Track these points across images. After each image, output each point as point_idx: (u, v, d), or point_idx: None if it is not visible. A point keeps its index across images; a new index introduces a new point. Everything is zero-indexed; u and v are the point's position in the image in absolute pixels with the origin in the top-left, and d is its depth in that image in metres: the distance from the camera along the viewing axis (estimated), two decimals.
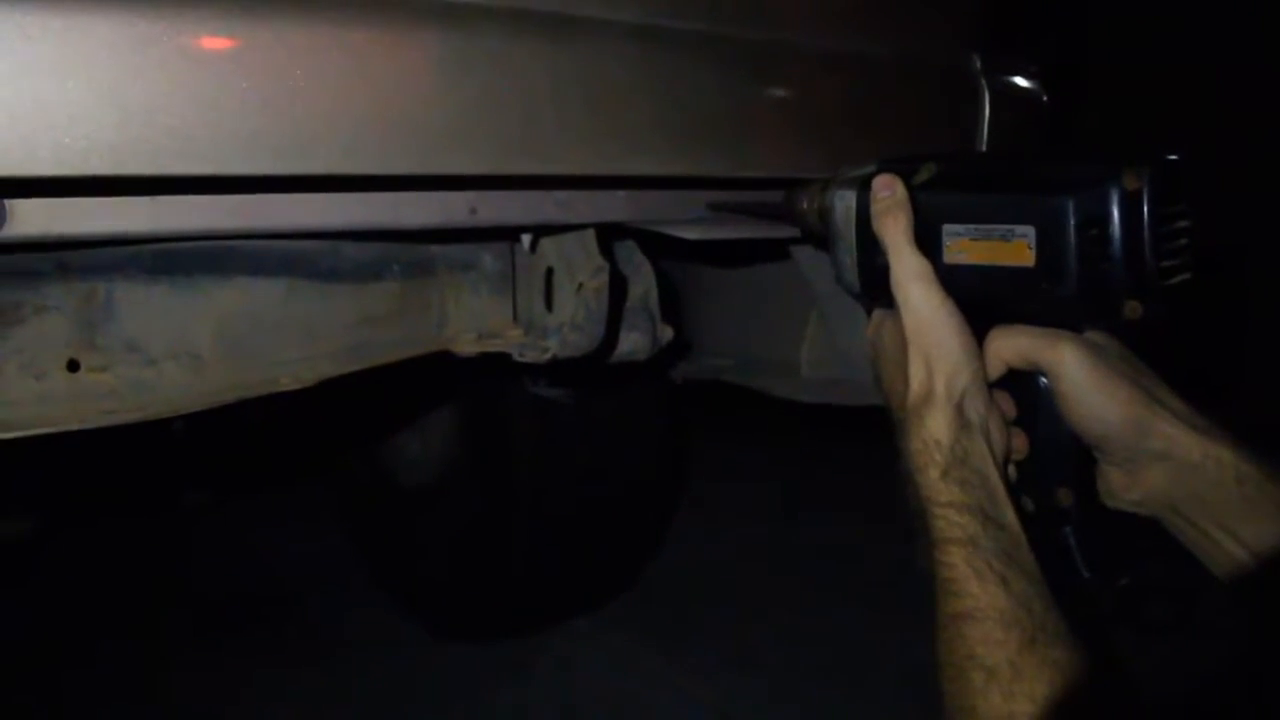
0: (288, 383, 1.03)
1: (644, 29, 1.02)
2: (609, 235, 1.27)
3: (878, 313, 0.95)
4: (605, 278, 1.19)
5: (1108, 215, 0.77)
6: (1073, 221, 0.78)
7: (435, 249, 1.27)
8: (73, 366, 0.95)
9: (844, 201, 0.95)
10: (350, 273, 1.15)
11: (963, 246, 0.86)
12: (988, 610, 0.74)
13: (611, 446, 2.20)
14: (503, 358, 1.31)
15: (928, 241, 0.86)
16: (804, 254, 1.50)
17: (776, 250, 1.54)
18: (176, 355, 1.00)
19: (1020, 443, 0.88)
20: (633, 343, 1.35)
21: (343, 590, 2.79)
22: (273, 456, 3.04)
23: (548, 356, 1.22)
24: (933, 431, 0.81)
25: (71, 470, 2.32)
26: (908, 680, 2.35)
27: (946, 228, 0.86)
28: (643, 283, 1.37)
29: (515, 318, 1.33)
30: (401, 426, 2.46)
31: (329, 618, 2.72)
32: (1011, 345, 0.86)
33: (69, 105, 0.75)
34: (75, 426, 0.91)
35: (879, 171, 0.91)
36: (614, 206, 1.17)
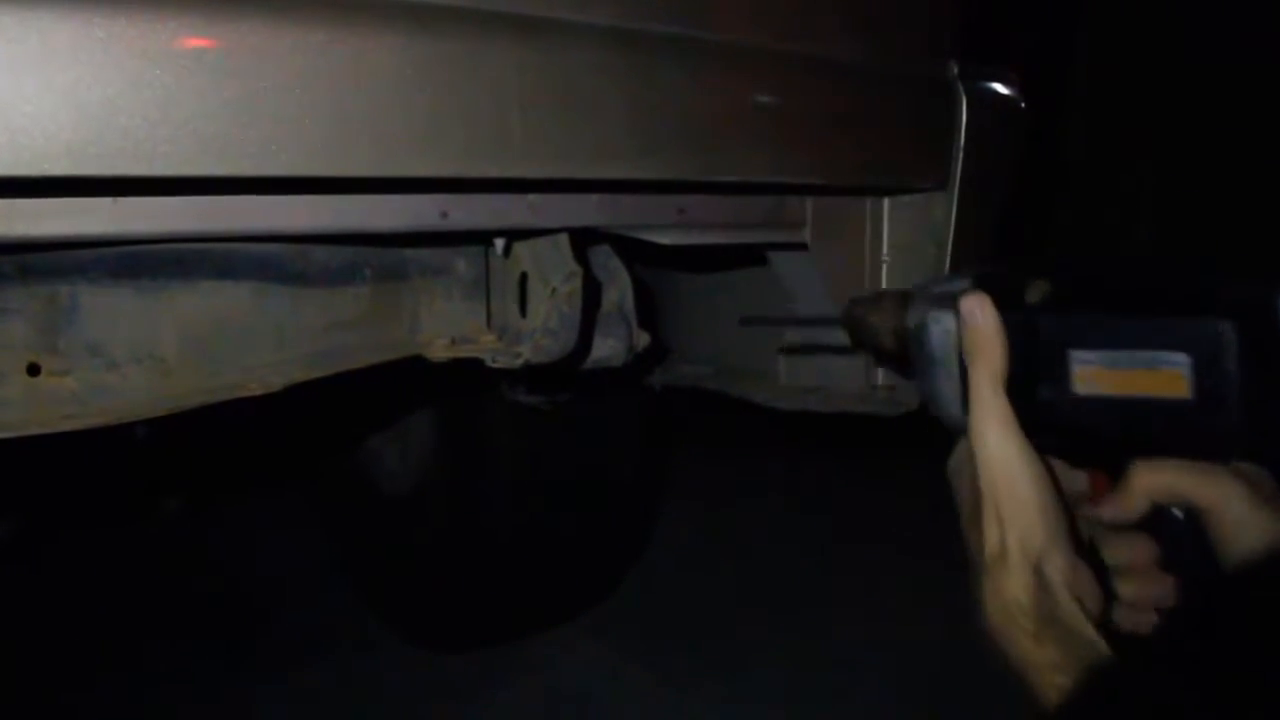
0: (255, 388, 1.02)
1: (616, 32, 1.01)
2: (584, 240, 1.26)
3: (964, 444, 0.84)
4: (578, 283, 1.18)
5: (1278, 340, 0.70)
6: (1237, 348, 0.71)
7: (408, 253, 1.25)
8: (33, 370, 0.94)
9: (941, 325, 0.84)
10: (320, 277, 1.14)
11: (1095, 376, 0.77)
12: None
13: (590, 453, 2.20)
14: (478, 364, 1.30)
15: (1050, 369, 0.78)
16: (780, 260, 1.50)
17: (754, 256, 1.53)
18: (140, 359, 0.98)
19: (1167, 589, 0.81)
20: (608, 348, 1.34)
21: (321, 597, 2.78)
22: (250, 463, 3.02)
23: (520, 362, 1.21)
24: (1013, 595, 0.75)
25: (40, 477, 2.30)
26: (895, 686, 2.36)
27: (1074, 354, 0.77)
28: (618, 288, 1.36)
29: (489, 323, 1.32)
30: (380, 433, 2.45)
31: (307, 625, 2.70)
32: (1161, 482, 0.79)
33: (26, 104, 0.74)
34: (35, 431, 0.90)
35: (974, 289, 0.82)
36: (587, 211, 1.16)
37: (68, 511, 2.99)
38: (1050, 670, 0.72)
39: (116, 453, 2.15)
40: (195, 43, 0.79)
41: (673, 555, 3.00)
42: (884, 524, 3.28)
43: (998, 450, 0.77)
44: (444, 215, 1.06)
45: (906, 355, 0.89)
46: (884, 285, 1.49)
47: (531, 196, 1.11)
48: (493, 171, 0.95)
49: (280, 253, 1.09)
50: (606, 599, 2.58)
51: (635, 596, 2.70)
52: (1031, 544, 0.75)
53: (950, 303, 0.83)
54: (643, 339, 1.39)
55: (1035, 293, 0.79)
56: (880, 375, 1.51)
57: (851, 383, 1.55)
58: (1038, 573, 0.75)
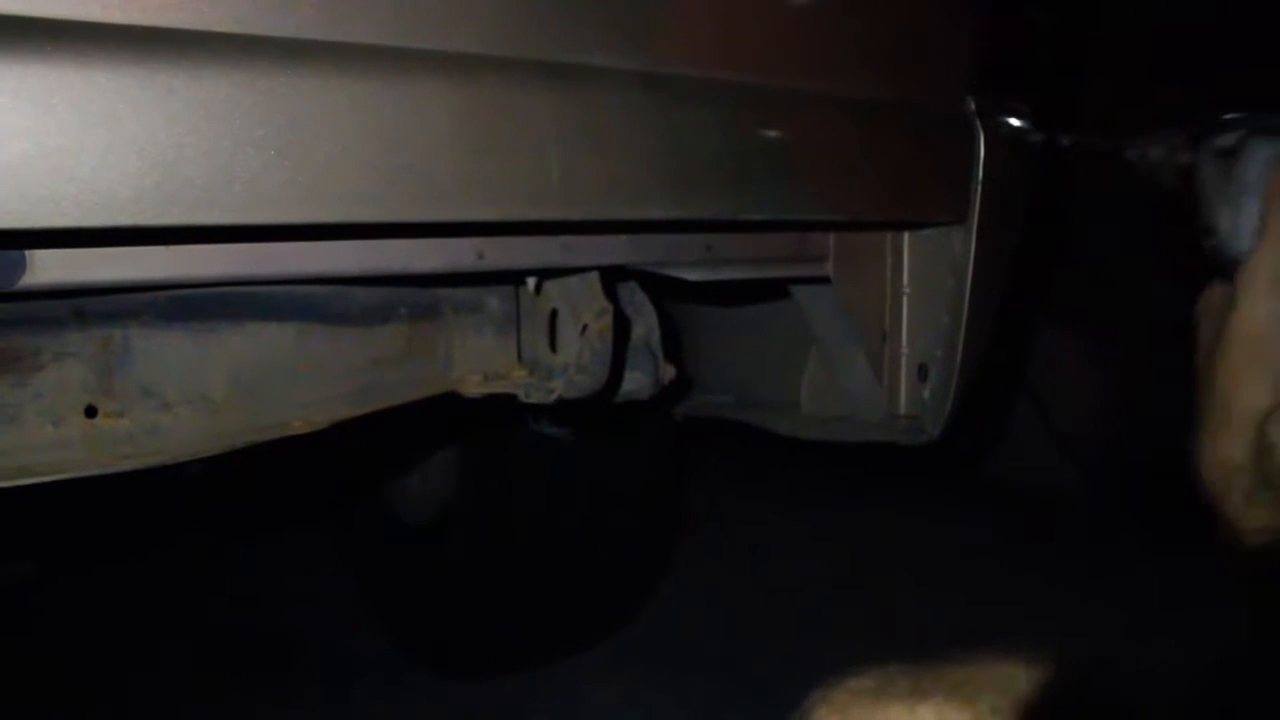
0: (300, 425, 1.05)
1: (648, 77, 1.04)
2: (611, 276, 1.29)
3: (1223, 286, 0.80)
4: (609, 319, 1.21)
5: None
6: None
7: (441, 292, 1.29)
8: (90, 412, 0.97)
9: (1267, 151, 0.81)
10: (359, 316, 1.17)
11: None
12: None
13: (613, 483, 2.22)
14: (507, 398, 1.33)
15: None
16: (803, 293, 1.53)
17: (776, 290, 1.56)
18: (191, 400, 1.02)
19: None
20: (636, 382, 1.37)
21: (345, 630, 2.79)
22: (275, 498, 3.05)
23: (554, 397, 1.24)
24: (1230, 452, 0.73)
25: (75, 513, 2.33)
26: None
27: None
28: (644, 323, 1.39)
29: (520, 359, 1.35)
30: (403, 466, 2.47)
31: (331, 657, 2.72)
32: None
33: (92, 157, 0.77)
34: (94, 471, 0.93)
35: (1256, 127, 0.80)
36: (618, 249, 1.20)
37: (93, 546, 3.02)
38: (1257, 533, 0.70)
39: (154, 489, 2.18)
40: (251, 94, 0.83)
41: (697, 584, 3.01)
42: (906, 553, 3.28)
43: (1266, 302, 0.74)
44: (480, 256, 1.10)
45: (1192, 178, 0.86)
46: (904, 318, 1.51)
47: (565, 237, 1.14)
48: (532, 215, 0.98)
49: (321, 294, 1.12)
50: (630, 628, 2.59)
51: (660, 626, 2.71)
52: (1259, 404, 0.72)
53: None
54: (669, 372, 1.42)
55: None
56: (904, 404, 1.53)
57: (874, 412, 1.57)
58: (1261, 434, 0.72)
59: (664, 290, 1.39)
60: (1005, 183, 1.44)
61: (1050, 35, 1.62)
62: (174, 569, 3.25)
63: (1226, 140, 0.84)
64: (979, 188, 1.40)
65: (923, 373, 1.52)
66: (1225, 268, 0.81)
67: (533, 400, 1.28)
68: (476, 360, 1.31)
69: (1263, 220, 0.77)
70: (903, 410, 1.55)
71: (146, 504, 2.70)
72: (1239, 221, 0.80)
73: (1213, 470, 0.74)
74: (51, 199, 0.76)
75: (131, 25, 0.78)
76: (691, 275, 1.28)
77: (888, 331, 1.52)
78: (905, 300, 1.51)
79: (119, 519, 2.75)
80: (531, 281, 1.26)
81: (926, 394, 1.51)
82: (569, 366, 1.23)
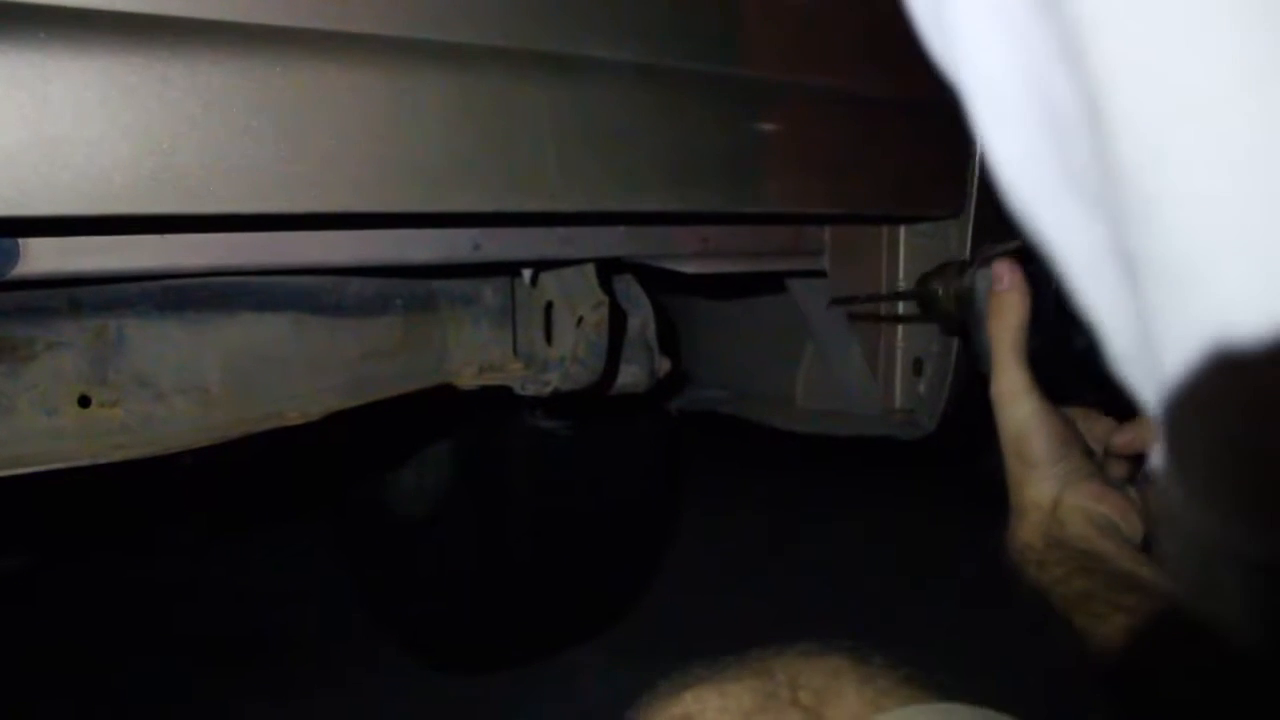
0: (295, 417, 1.05)
1: (646, 68, 1.04)
2: (606, 269, 1.29)
3: None
4: (605, 311, 1.21)
5: None
6: None
7: (436, 284, 1.28)
8: (84, 402, 0.96)
9: (986, 284, 0.89)
10: (354, 308, 1.16)
11: None
12: (1111, 640, 0.74)
13: (609, 477, 2.21)
14: (500, 390, 1.32)
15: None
16: (799, 286, 1.52)
17: (772, 283, 1.56)
18: (185, 390, 1.01)
19: None
20: (631, 375, 1.37)
21: (340, 625, 2.79)
22: (265, 488, 3.04)
23: (550, 390, 1.24)
24: (1026, 538, 0.83)
25: (65, 506, 2.32)
26: None
27: None
28: (640, 316, 1.39)
29: (515, 351, 1.35)
30: (398, 459, 2.47)
31: (324, 652, 2.71)
32: None
33: (86, 145, 0.77)
34: (87, 462, 0.92)
35: (1023, 248, 0.86)
36: (615, 242, 1.19)
37: (84, 542, 3.01)
38: (1055, 585, 0.78)
39: (146, 482, 2.17)
40: (246, 83, 0.82)
41: (693, 579, 3.01)
42: (907, 550, 3.28)
43: (1010, 411, 0.83)
44: (477, 247, 1.09)
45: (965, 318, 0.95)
46: (900, 312, 1.52)
47: (561, 229, 1.14)
48: (529, 206, 0.98)
49: (317, 285, 1.12)
50: (625, 623, 2.59)
51: (656, 621, 2.70)
52: (1045, 493, 0.82)
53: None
54: (664, 365, 1.42)
55: None
56: (899, 398, 1.53)
57: (869, 406, 1.58)
58: (1052, 513, 0.81)
59: (659, 283, 1.39)
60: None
61: None
62: (163, 563, 3.24)
63: (971, 274, 0.93)
64: (975, 182, 1.40)
65: (918, 367, 1.52)
66: None
67: (528, 393, 1.27)
68: (472, 352, 1.30)
69: (990, 345, 0.85)
70: (898, 404, 1.55)
71: (136, 497, 2.69)
72: (983, 346, 0.88)
73: (1016, 548, 0.83)
74: (46, 187, 0.76)
75: (127, 12, 0.78)
76: (688, 268, 1.28)
77: (883, 325, 1.53)
78: None
79: (108, 512, 2.74)
80: (527, 273, 1.26)
81: (922, 388, 1.52)
82: (565, 359, 1.23)
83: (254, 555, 3.29)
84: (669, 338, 1.51)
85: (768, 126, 1.17)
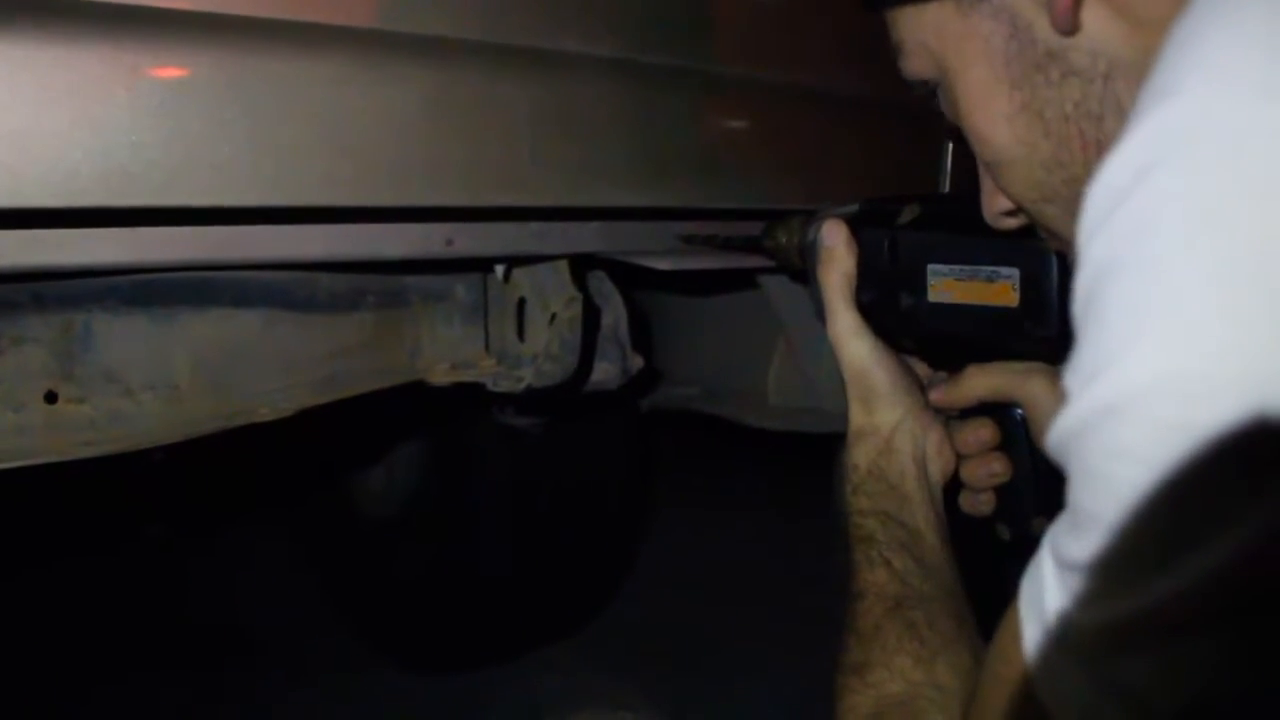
0: (266, 413, 1.04)
1: (621, 63, 1.04)
2: (579, 265, 1.28)
3: None
4: (579, 308, 1.20)
5: None
6: (1055, 266, 0.80)
7: (408, 280, 1.27)
8: (50, 398, 0.95)
9: (814, 237, 0.98)
10: (326, 303, 1.15)
11: (947, 286, 0.89)
12: (868, 588, 0.86)
13: (580, 476, 2.21)
14: (472, 387, 1.31)
15: (911, 280, 0.90)
16: (772, 284, 1.53)
17: (744, 280, 1.56)
18: (154, 386, 1.00)
19: (1001, 466, 0.92)
20: (603, 372, 1.36)
21: (308, 624, 2.77)
22: (231, 488, 3.01)
23: (522, 386, 1.23)
24: (855, 459, 0.92)
25: (32, 503, 2.29)
26: None
27: (931, 267, 0.89)
28: (612, 313, 1.38)
29: (487, 348, 1.34)
30: (368, 458, 2.45)
31: (293, 652, 2.69)
32: (985, 382, 0.92)
33: (53, 137, 0.76)
34: (54, 458, 0.91)
35: (861, 211, 0.95)
36: (589, 237, 1.19)
37: (45, 539, 2.97)
38: (856, 514, 0.90)
39: (115, 480, 2.15)
40: (217, 74, 0.81)
41: (665, 577, 3.01)
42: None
43: (854, 354, 0.92)
44: (449, 243, 1.08)
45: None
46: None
47: (535, 224, 1.14)
48: (502, 200, 0.97)
49: (288, 280, 1.11)
50: (596, 622, 2.58)
51: (627, 620, 2.70)
52: (886, 421, 0.91)
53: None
54: (637, 362, 1.41)
55: (907, 215, 0.93)
56: None
57: (841, 402, 1.57)
58: (887, 442, 0.90)
59: (632, 280, 1.39)
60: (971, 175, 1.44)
61: None
62: (132, 561, 3.20)
63: (811, 230, 1.01)
64: (948, 178, 1.41)
65: None
66: None
67: (500, 390, 1.27)
68: (444, 349, 1.30)
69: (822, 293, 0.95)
70: None
71: (105, 495, 2.66)
72: (816, 294, 0.98)
73: (843, 470, 0.93)
74: (10, 179, 0.75)
75: (97, 2, 0.77)
76: (662, 265, 1.28)
77: None
78: None
79: (77, 510, 2.70)
80: (500, 269, 1.25)
81: None
82: (537, 356, 1.23)
83: (223, 554, 3.26)
84: (641, 335, 1.51)
85: (743, 122, 1.17)
